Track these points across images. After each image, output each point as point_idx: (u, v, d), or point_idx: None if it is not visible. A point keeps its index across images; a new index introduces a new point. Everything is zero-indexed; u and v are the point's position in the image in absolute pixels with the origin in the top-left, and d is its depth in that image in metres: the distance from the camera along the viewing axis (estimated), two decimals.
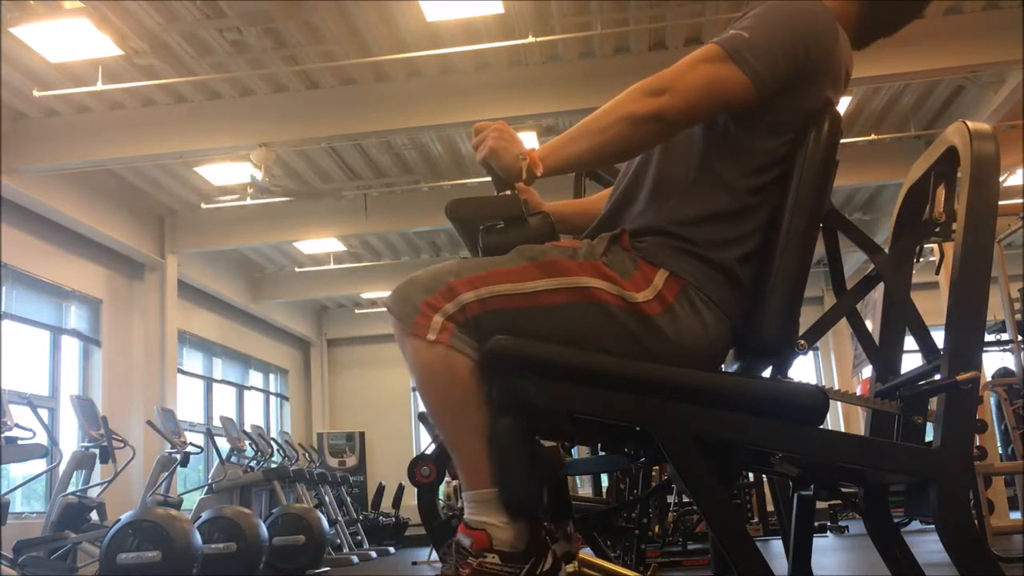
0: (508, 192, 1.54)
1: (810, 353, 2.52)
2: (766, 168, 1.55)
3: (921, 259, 1.81)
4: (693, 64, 1.51)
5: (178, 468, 7.18)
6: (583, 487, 9.90)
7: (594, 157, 1.55)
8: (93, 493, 6.76)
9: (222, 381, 13.09)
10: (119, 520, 5.64)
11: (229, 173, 9.41)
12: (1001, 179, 1.54)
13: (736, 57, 1.49)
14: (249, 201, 10.04)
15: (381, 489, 12.76)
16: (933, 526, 1.37)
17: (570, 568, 1.46)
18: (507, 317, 1.45)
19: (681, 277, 1.51)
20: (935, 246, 1.91)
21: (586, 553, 1.53)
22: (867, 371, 5.88)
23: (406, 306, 1.45)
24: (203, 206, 10.34)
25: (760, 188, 1.55)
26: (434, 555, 5.00)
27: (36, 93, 7.50)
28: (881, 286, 1.68)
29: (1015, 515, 7.26)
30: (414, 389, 5.94)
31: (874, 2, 1.67)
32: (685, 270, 1.51)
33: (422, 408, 1.64)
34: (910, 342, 1.72)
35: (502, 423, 1.43)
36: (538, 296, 1.46)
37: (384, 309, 1.50)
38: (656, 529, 5.88)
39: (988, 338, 6.85)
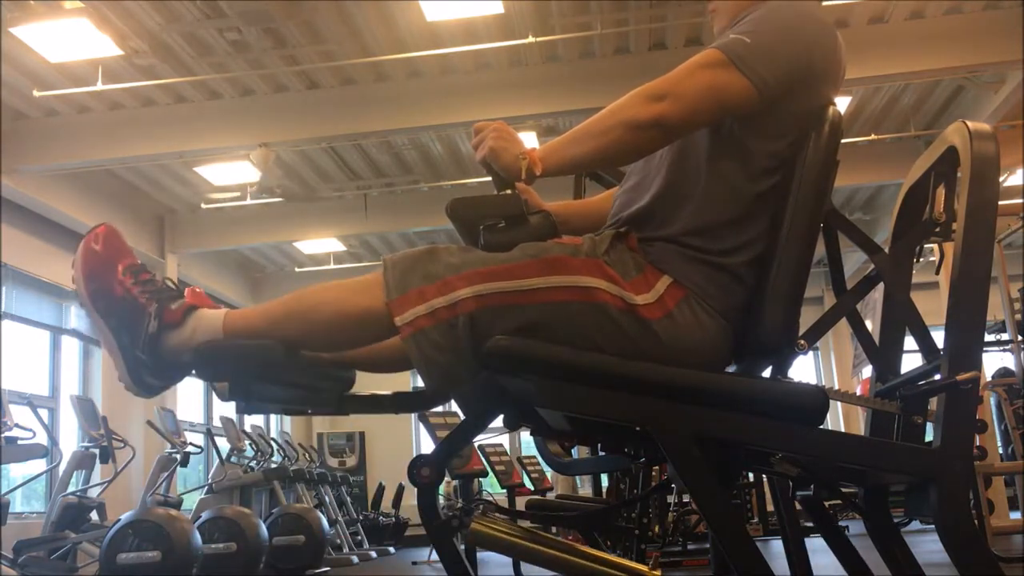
0: (508, 191, 1.54)
1: (810, 353, 2.52)
2: (772, 170, 1.55)
3: (921, 259, 1.81)
4: (694, 69, 1.51)
5: (178, 468, 7.18)
6: (583, 487, 9.91)
7: (594, 160, 1.55)
8: (93, 493, 6.76)
9: None
10: (119, 520, 5.64)
11: (229, 173, 9.41)
12: (1001, 179, 1.54)
13: (738, 62, 1.49)
14: (249, 201, 10.04)
15: (381, 489, 12.76)
16: (933, 526, 1.37)
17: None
18: (505, 313, 1.45)
19: (684, 286, 1.51)
20: (935, 246, 1.91)
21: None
22: (867, 371, 5.88)
23: (400, 282, 1.46)
24: (203, 206, 10.35)
25: (766, 192, 1.55)
26: (434, 555, 5.00)
27: (36, 93, 7.50)
28: (881, 286, 1.68)
29: (1015, 515, 7.26)
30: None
31: None
32: (691, 279, 1.51)
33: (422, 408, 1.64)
34: (910, 342, 1.72)
35: (272, 347, 1.49)
36: (537, 293, 1.46)
37: (384, 260, 1.52)
38: (656, 529, 5.88)
39: (988, 338, 6.85)
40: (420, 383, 1.57)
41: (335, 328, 1.51)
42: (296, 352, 1.54)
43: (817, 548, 1.87)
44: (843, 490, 1.81)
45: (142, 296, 1.53)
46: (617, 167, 1.68)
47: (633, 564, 1.45)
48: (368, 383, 1.75)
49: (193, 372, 1.54)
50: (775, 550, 5.57)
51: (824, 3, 1.76)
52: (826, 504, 1.86)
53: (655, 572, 1.40)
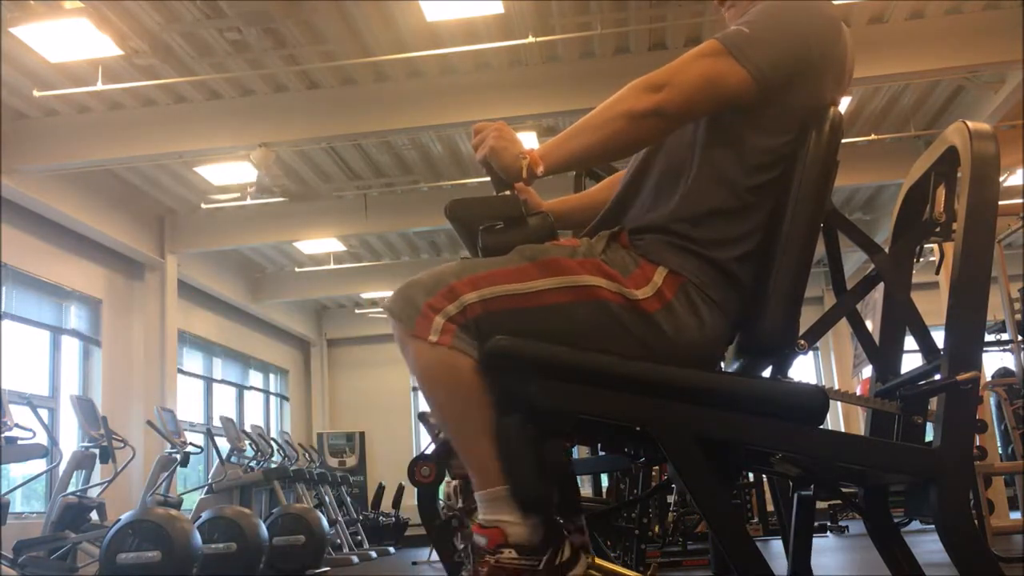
0: (508, 192, 1.54)
1: (810, 353, 2.52)
2: (767, 166, 1.55)
3: (921, 259, 1.81)
4: (692, 59, 1.51)
5: (178, 468, 7.19)
6: (583, 487, 9.91)
7: (594, 154, 1.55)
8: (93, 493, 6.76)
9: (222, 381, 13.08)
10: (119, 520, 5.64)
11: (229, 173, 9.41)
12: (1001, 179, 1.54)
13: (736, 52, 1.49)
14: (249, 201, 10.04)
15: (381, 489, 12.76)
16: (933, 526, 1.37)
17: (579, 571, 1.46)
18: (508, 317, 1.45)
19: (680, 275, 1.51)
20: (935, 246, 1.91)
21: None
22: (867, 371, 5.88)
23: (408, 307, 1.46)
24: (203, 206, 10.34)
25: (761, 187, 1.55)
26: (434, 555, 5.00)
27: (36, 93, 7.50)
28: (881, 286, 1.68)
29: (1015, 515, 7.26)
30: (414, 389, 5.94)
31: None
32: (684, 268, 1.51)
33: (422, 408, 1.65)
34: (910, 342, 1.72)
35: (508, 420, 1.43)
36: (539, 295, 1.46)
37: (383, 306, 1.51)
38: (656, 529, 5.88)
39: (988, 338, 6.85)
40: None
41: (463, 394, 1.46)
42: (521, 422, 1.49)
43: (817, 548, 1.87)
44: (843, 490, 1.81)
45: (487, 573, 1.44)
46: (617, 159, 1.68)
47: (630, 573, 1.45)
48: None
49: (557, 518, 1.48)
50: (775, 550, 5.57)
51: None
52: (826, 504, 1.86)
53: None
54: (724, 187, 1.54)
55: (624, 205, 1.64)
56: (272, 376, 14.85)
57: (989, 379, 7.04)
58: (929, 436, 1.47)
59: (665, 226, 1.54)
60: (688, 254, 1.52)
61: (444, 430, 1.50)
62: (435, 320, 1.44)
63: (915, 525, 6.30)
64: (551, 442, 1.51)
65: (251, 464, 8.50)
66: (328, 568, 7.79)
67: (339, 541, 9.02)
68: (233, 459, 8.25)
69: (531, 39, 7.16)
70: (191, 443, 7.39)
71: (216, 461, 8.08)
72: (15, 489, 8.10)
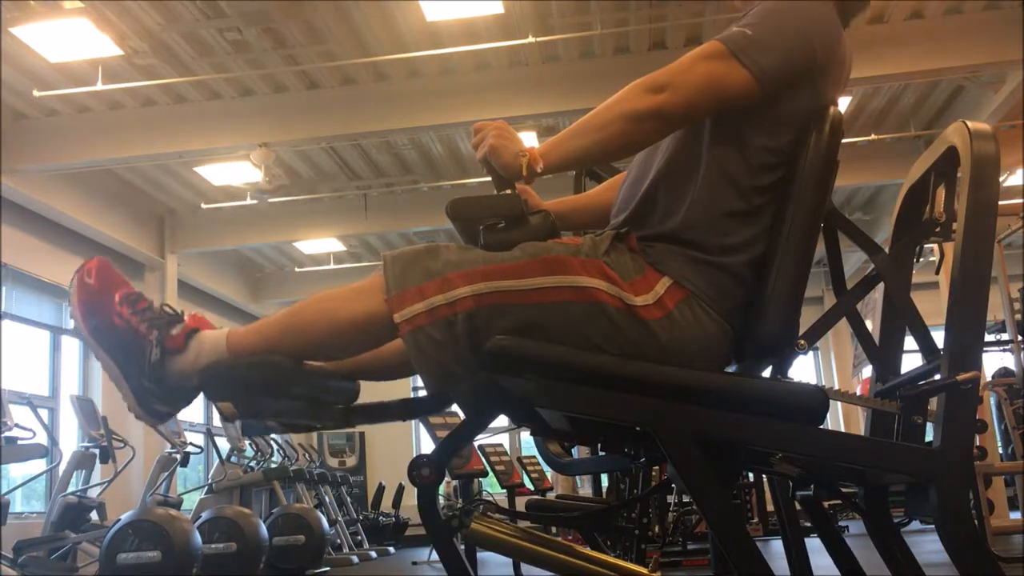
0: (508, 191, 1.54)
1: (810, 353, 2.52)
2: (772, 167, 1.54)
3: (921, 259, 1.81)
4: (694, 60, 1.50)
5: (178, 468, 7.18)
6: (583, 487, 9.90)
7: (594, 154, 1.55)
8: (93, 493, 6.76)
9: None
10: (119, 520, 5.64)
11: (229, 173, 9.41)
12: (1001, 179, 1.54)
13: (739, 53, 1.49)
14: (249, 201, 10.04)
15: (381, 489, 12.75)
16: (933, 526, 1.37)
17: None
18: (502, 312, 1.44)
19: (684, 287, 1.50)
20: (935, 246, 1.91)
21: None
22: (867, 371, 5.88)
23: (399, 279, 1.46)
24: (203, 206, 10.34)
25: (766, 187, 1.54)
26: (434, 555, 5.00)
27: (36, 93, 7.50)
28: (881, 286, 1.68)
29: (1015, 515, 7.26)
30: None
31: None
32: (690, 280, 1.50)
33: None
34: (910, 342, 1.72)
35: (279, 360, 1.48)
36: (536, 293, 1.46)
37: (383, 256, 1.51)
38: (656, 529, 5.88)
39: (988, 338, 6.85)
40: (420, 384, 1.57)
41: (336, 337, 1.50)
42: (301, 366, 1.54)
43: (817, 548, 1.87)
44: (843, 490, 1.81)
45: (142, 325, 1.53)
46: (618, 160, 1.67)
47: (632, 566, 1.45)
48: (371, 389, 1.75)
49: (201, 394, 1.53)
50: (775, 550, 5.57)
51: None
52: (826, 504, 1.86)
53: (655, 574, 1.40)
54: (732, 189, 1.53)
55: (643, 212, 1.61)
56: None
57: (989, 379, 7.04)
58: (929, 436, 1.47)
59: (676, 235, 1.53)
60: (697, 264, 1.51)
61: (287, 313, 1.54)
62: (415, 305, 1.44)
63: (915, 525, 6.29)
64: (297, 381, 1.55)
65: (251, 464, 8.50)
66: (328, 568, 7.79)
67: (339, 541, 9.01)
68: (233, 459, 8.24)
69: (531, 39, 7.16)
70: (191, 443, 7.38)
71: (216, 461, 8.08)
72: (15, 489, 8.10)
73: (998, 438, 7.54)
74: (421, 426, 12.07)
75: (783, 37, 1.52)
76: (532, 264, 1.47)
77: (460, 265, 1.47)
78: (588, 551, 1.48)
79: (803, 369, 13.54)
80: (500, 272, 1.46)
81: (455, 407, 1.65)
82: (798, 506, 1.91)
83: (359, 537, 10.01)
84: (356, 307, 1.48)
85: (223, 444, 8.20)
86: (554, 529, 6.87)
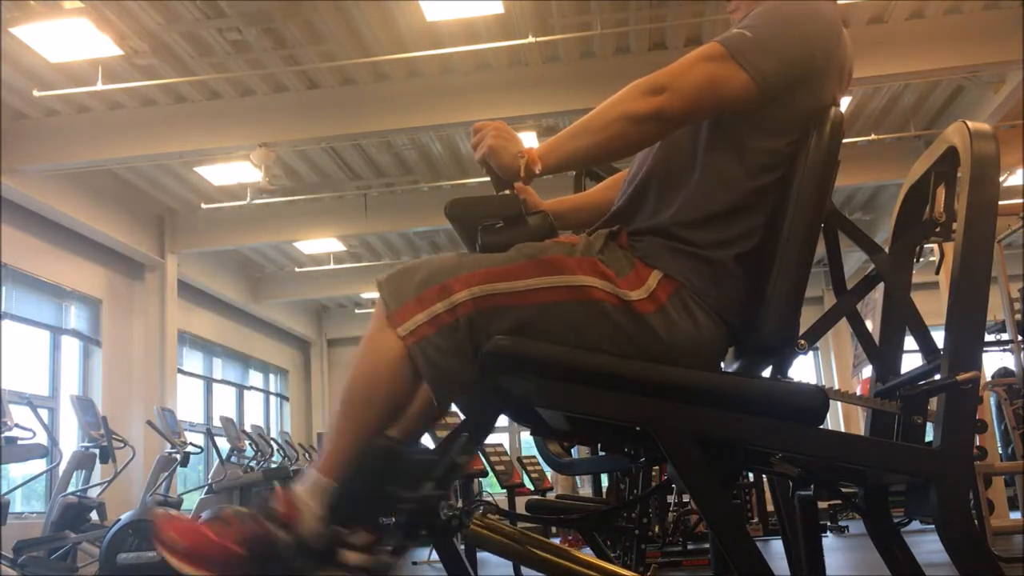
0: (507, 191, 1.54)
1: (810, 353, 2.52)
2: (769, 168, 1.54)
3: (921, 259, 1.81)
4: (694, 62, 1.50)
5: (178, 468, 7.19)
6: (583, 487, 9.91)
7: (593, 155, 1.55)
8: (93, 493, 6.76)
9: (222, 381, 13.09)
10: (119, 520, 5.64)
11: (229, 173, 9.42)
12: (1001, 179, 1.54)
13: (738, 56, 1.48)
14: (249, 201, 10.04)
15: None
16: (933, 526, 1.37)
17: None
18: (500, 314, 1.44)
19: (675, 279, 1.50)
20: (935, 246, 1.91)
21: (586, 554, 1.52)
22: (867, 371, 5.88)
23: (396, 295, 1.45)
24: (203, 206, 10.35)
25: (763, 188, 1.54)
26: (434, 555, 5.00)
27: (36, 93, 7.50)
28: (881, 286, 1.68)
29: (1015, 515, 7.26)
30: None
31: None
32: (680, 272, 1.51)
33: None
34: (910, 342, 1.72)
35: (382, 444, 1.43)
36: (533, 294, 1.46)
37: (377, 281, 1.50)
38: (656, 529, 5.88)
39: (988, 338, 6.85)
40: None
41: (384, 391, 1.45)
42: (400, 447, 1.48)
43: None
44: (843, 490, 1.81)
45: (252, 526, 1.44)
46: (616, 160, 1.67)
47: (627, 573, 1.45)
48: None
49: (343, 534, 1.44)
50: (775, 550, 5.57)
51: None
52: (826, 504, 1.86)
53: None
54: (727, 189, 1.54)
55: (633, 207, 1.63)
56: (272, 376, 14.85)
57: (989, 379, 7.04)
58: (929, 436, 1.47)
59: (665, 229, 1.54)
60: (686, 257, 1.52)
61: (338, 404, 1.49)
62: (415, 317, 1.43)
63: (915, 525, 6.29)
64: (406, 481, 1.49)
65: (251, 464, 8.51)
66: None
67: None
68: (233, 459, 8.25)
69: (531, 39, 7.16)
70: (191, 443, 7.39)
71: (216, 461, 8.08)
72: (15, 489, 8.11)
73: (998, 438, 7.54)
74: None
75: (783, 39, 1.52)
76: (528, 265, 1.47)
77: (457, 270, 1.46)
78: (584, 556, 1.48)
79: (803, 369, 13.54)
80: (497, 274, 1.46)
81: (454, 407, 1.64)
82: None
83: None
84: (381, 354, 1.45)
85: (223, 444, 8.21)
86: (554, 529, 6.87)
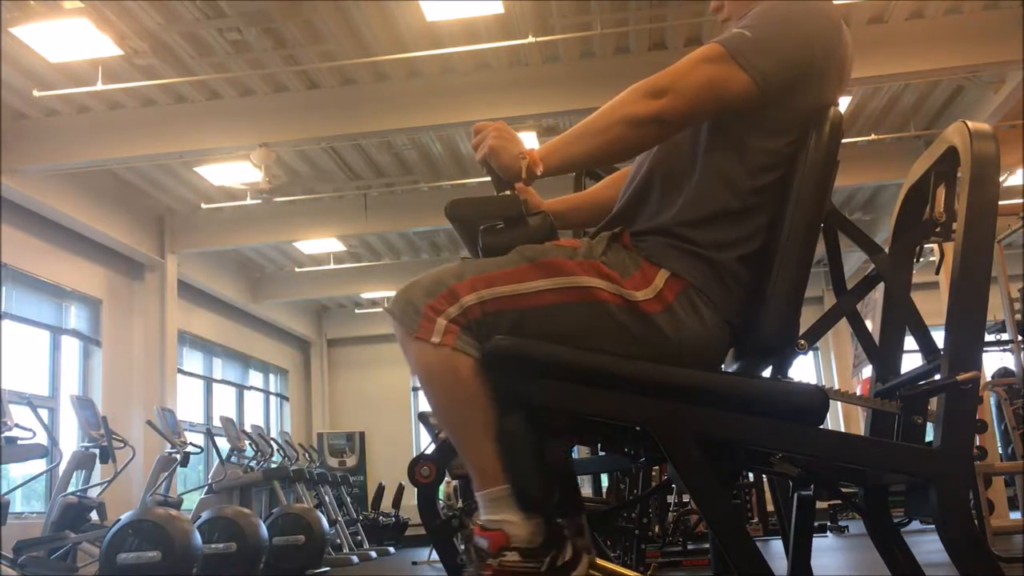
0: (508, 192, 1.54)
1: (810, 353, 2.52)
2: (770, 167, 1.54)
3: (921, 259, 1.81)
4: (694, 64, 1.50)
5: (178, 468, 7.19)
6: (583, 487, 9.90)
7: (594, 158, 1.56)
8: (93, 493, 6.76)
9: (222, 381, 13.08)
10: (119, 520, 5.65)
11: (229, 173, 9.41)
12: (1001, 179, 1.54)
13: (738, 57, 1.49)
14: (249, 201, 10.04)
15: (381, 489, 12.76)
16: (933, 526, 1.37)
17: (582, 572, 1.45)
18: (507, 318, 1.45)
19: (683, 278, 1.50)
20: (935, 246, 1.91)
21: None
22: (867, 371, 5.88)
23: (409, 310, 1.46)
24: (203, 206, 10.34)
25: (763, 188, 1.54)
26: (434, 555, 4.99)
27: (36, 93, 7.50)
28: (881, 286, 1.68)
29: (1015, 515, 7.26)
30: (415, 389, 5.94)
31: None
32: (687, 271, 1.51)
33: (423, 408, 1.64)
34: (910, 342, 1.72)
35: (509, 421, 1.43)
36: (537, 296, 1.46)
37: (385, 309, 1.51)
38: (656, 529, 5.88)
39: (988, 338, 6.84)
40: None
41: (466, 400, 1.45)
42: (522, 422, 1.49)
43: (817, 548, 1.88)
44: (843, 490, 1.81)
45: None
46: (617, 163, 1.68)
47: (629, 572, 1.45)
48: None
49: (557, 520, 1.45)
50: (775, 550, 5.57)
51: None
52: (826, 504, 1.86)
53: None
54: (727, 189, 1.54)
55: (634, 207, 1.63)
56: (272, 376, 14.85)
57: (989, 379, 7.04)
58: (929, 436, 1.47)
59: (668, 229, 1.54)
60: (691, 256, 1.52)
61: (445, 429, 1.50)
62: (437, 322, 1.44)
63: (915, 525, 6.28)
64: (552, 443, 1.50)
65: (251, 464, 8.50)
66: (328, 568, 7.79)
67: (339, 541, 9.02)
68: (233, 459, 8.25)
69: (531, 39, 7.16)
70: (191, 443, 7.39)
71: (216, 461, 8.08)
72: (15, 489, 8.10)
73: (998, 438, 7.54)
74: (421, 426, 12.07)
75: (783, 39, 1.52)
76: (530, 268, 1.48)
77: (462, 275, 1.48)
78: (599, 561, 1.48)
79: (803, 369, 13.54)
80: (501, 278, 1.47)
81: None
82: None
83: (359, 537, 10.01)
84: (437, 367, 1.45)
85: (223, 444, 8.21)
86: None
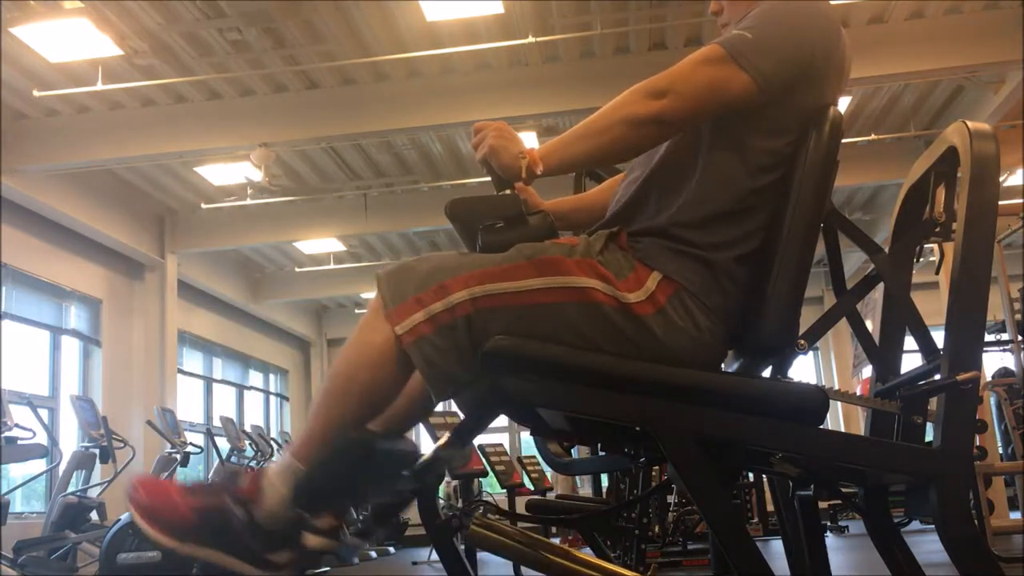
0: (508, 191, 1.54)
1: (810, 353, 2.52)
2: (770, 167, 1.54)
3: (921, 259, 1.81)
4: (695, 65, 1.50)
5: (178, 468, 7.19)
6: (583, 487, 9.91)
7: (594, 158, 1.56)
8: (93, 493, 6.76)
9: (222, 381, 13.09)
10: (119, 520, 5.64)
11: (229, 173, 9.42)
12: (1001, 179, 1.54)
13: (739, 58, 1.49)
14: (249, 201, 10.04)
15: None
16: (933, 526, 1.37)
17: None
18: (499, 315, 1.45)
19: (674, 280, 1.50)
20: (935, 246, 1.91)
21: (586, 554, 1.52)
22: (867, 371, 5.88)
23: (395, 293, 1.46)
24: (203, 206, 10.35)
25: (763, 188, 1.54)
26: (434, 555, 5.00)
27: (36, 93, 7.50)
28: (881, 286, 1.68)
29: (1015, 515, 7.26)
30: None
31: None
32: (680, 274, 1.51)
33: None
34: (910, 342, 1.72)
35: (358, 438, 1.44)
36: (531, 294, 1.46)
37: (377, 276, 1.51)
38: (656, 529, 5.88)
39: (988, 338, 6.84)
40: None
41: (365, 383, 1.46)
42: (374, 434, 1.50)
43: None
44: (843, 490, 1.81)
45: (212, 500, 1.47)
46: (618, 164, 1.68)
47: (628, 573, 1.45)
48: None
49: (307, 518, 1.46)
50: (775, 550, 5.58)
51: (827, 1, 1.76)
52: (826, 504, 1.86)
53: None
54: (727, 189, 1.54)
55: (632, 208, 1.63)
56: (272, 376, 14.85)
57: (989, 379, 7.04)
58: (929, 436, 1.47)
59: (665, 230, 1.54)
60: (686, 258, 1.52)
61: (324, 386, 1.50)
62: (413, 316, 1.44)
63: (915, 525, 6.29)
64: (385, 484, 1.51)
65: (251, 464, 8.51)
66: (328, 568, 7.78)
67: None
68: (233, 459, 8.25)
69: (531, 39, 7.16)
70: (191, 443, 7.39)
71: (216, 461, 8.09)
72: (15, 489, 8.11)
73: (998, 438, 7.54)
74: (421, 426, 12.06)
75: (783, 40, 1.52)
76: (527, 266, 1.47)
77: (456, 271, 1.47)
78: (585, 556, 1.48)
79: (803, 369, 13.55)
80: (496, 275, 1.46)
81: (455, 407, 1.64)
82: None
83: None
84: (369, 347, 1.46)
85: (223, 444, 8.21)
86: (554, 529, 6.87)
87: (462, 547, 1.57)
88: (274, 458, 9.11)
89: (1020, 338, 5.85)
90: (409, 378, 1.50)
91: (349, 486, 1.46)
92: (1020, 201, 6.03)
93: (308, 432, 1.48)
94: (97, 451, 6.59)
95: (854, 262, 9.29)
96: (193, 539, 1.45)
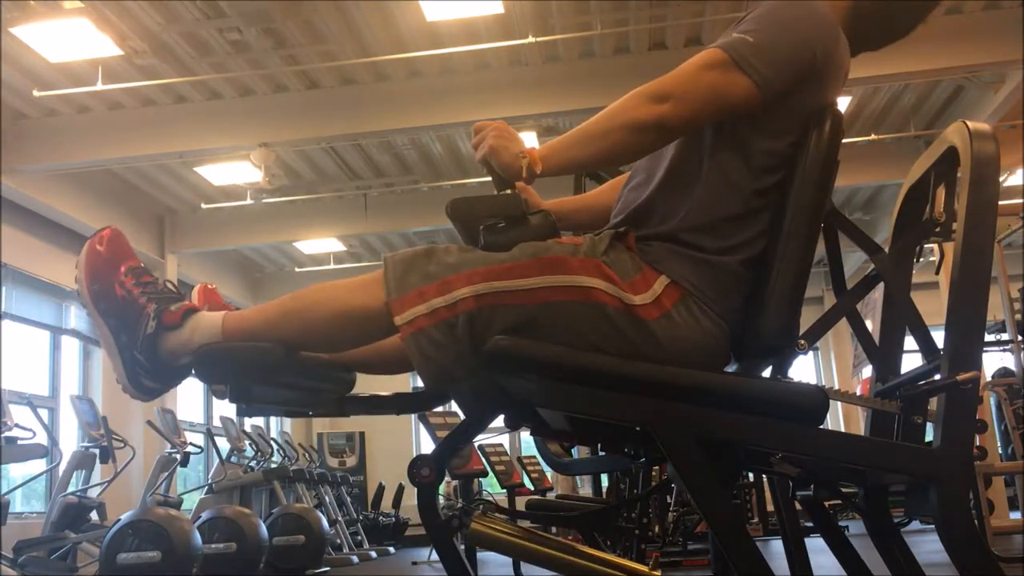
0: (508, 191, 1.54)
1: (810, 353, 2.52)
2: (772, 169, 1.54)
3: (921, 259, 1.81)
4: (697, 70, 1.50)
5: (178, 468, 7.18)
6: (583, 487, 9.90)
7: (594, 162, 1.56)
8: (93, 493, 6.76)
9: None
10: (119, 520, 5.64)
11: (229, 173, 9.42)
12: (1001, 179, 1.54)
13: (742, 63, 1.48)
14: (249, 201, 10.04)
15: (381, 489, 12.75)
16: (933, 526, 1.37)
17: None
18: (502, 313, 1.45)
19: (681, 285, 1.50)
20: (935, 246, 1.91)
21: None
22: (867, 371, 5.88)
23: (400, 283, 1.47)
24: (203, 206, 10.35)
25: (766, 190, 1.54)
26: (434, 555, 5.00)
27: (36, 93, 7.50)
28: (881, 286, 1.68)
29: (1015, 515, 7.27)
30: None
31: (873, 2, 1.66)
32: (686, 278, 1.51)
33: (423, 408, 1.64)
34: (910, 342, 1.72)
35: (278, 353, 1.48)
36: (535, 293, 1.46)
37: (384, 259, 1.52)
38: (656, 529, 5.88)
39: (988, 338, 6.84)
40: (420, 383, 1.57)
41: (334, 327, 1.51)
42: (296, 353, 1.54)
43: (817, 548, 1.87)
44: (843, 490, 1.81)
45: (142, 297, 1.54)
46: (618, 167, 1.68)
47: (633, 564, 1.45)
48: (369, 384, 1.75)
49: (192, 374, 1.54)
50: (775, 550, 5.57)
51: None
52: (826, 504, 1.86)
53: (655, 573, 1.40)
54: (732, 192, 1.54)
55: (639, 211, 1.61)
56: None
57: (989, 379, 7.04)
58: (929, 436, 1.47)
59: (674, 235, 1.54)
60: (695, 263, 1.52)
61: (287, 304, 1.55)
62: (415, 308, 1.44)
63: (915, 525, 6.30)
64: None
65: (251, 464, 8.50)
66: (328, 568, 7.78)
67: (339, 541, 9.01)
68: (233, 459, 8.24)
69: (531, 39, 7.16)
70: (191, 443, 7.38)
71: (216, 461, 8.08)
72: (15, 489, 8.10)
73: (998, 438, 7.54)
74: (421, 426, 12.07)
75: (784, 42, 1.52)
76: (531, 264, 1.47)
77: (460, 267, 1.47)
78: (589, 550, 1.48)
79: (803, 369, 13.55)
80: (499, 273, 1.46)
81: (455, 407, 1.65)
82: (798, 506, 1.92)
83: (359, 537, 10.01)
84: (355, 301, 1.50)
85: (223, 444, 8.20)
86: (554, 529, 6.86)
87: (462, 547, 1.57)
88: (275, 458, 9.11)
89: (1020, 338, 5.85)
90: (376, 343, 1.58)
91: (244, 379, 1.53)
92: (1020, 201, 6.03)
93: (254, 314, 1.54)
94: (97, 451, 6.58)
95: (854, 262, 9.29)
96: (103, 306, 1.56)
